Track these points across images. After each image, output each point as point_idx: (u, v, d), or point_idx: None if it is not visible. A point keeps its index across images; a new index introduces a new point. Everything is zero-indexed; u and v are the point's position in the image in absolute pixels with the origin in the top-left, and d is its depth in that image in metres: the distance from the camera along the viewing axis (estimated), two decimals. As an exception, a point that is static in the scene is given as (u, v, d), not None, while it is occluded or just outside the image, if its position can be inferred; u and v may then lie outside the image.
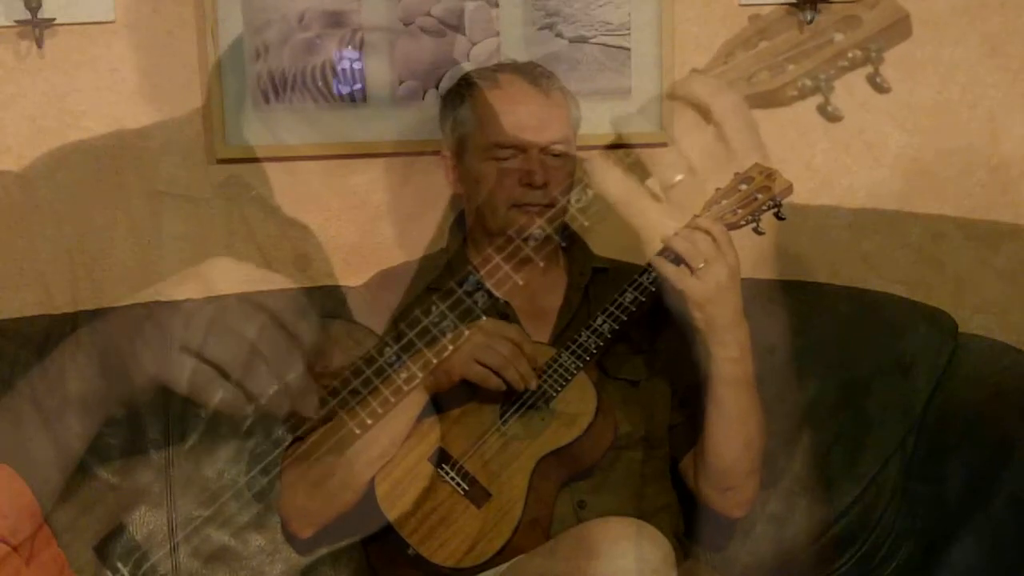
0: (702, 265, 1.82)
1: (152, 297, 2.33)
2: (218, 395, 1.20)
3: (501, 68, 2.14)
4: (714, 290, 1.83)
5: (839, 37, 1.29)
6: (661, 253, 1.85)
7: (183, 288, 1.33)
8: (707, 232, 1.83)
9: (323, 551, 2.18)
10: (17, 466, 1.32)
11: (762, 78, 1.33)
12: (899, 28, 1.27)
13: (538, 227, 1.95)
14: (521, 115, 2.05)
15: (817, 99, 1.31)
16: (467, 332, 1.89)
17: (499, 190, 2.05)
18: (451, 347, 1.88)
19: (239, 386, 1.20)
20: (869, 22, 1.27)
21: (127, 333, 1.28)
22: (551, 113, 2.08)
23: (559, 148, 2.06)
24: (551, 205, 1.97)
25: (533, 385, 1.93)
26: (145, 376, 1.24)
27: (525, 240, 1.86)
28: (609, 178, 1.60)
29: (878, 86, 1.27)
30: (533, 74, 2.10)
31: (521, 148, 2.04)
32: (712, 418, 1.95)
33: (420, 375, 1.90)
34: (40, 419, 1.33)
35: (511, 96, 2.07)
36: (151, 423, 2.21)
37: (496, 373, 1.91)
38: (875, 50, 1.27)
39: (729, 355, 1.90)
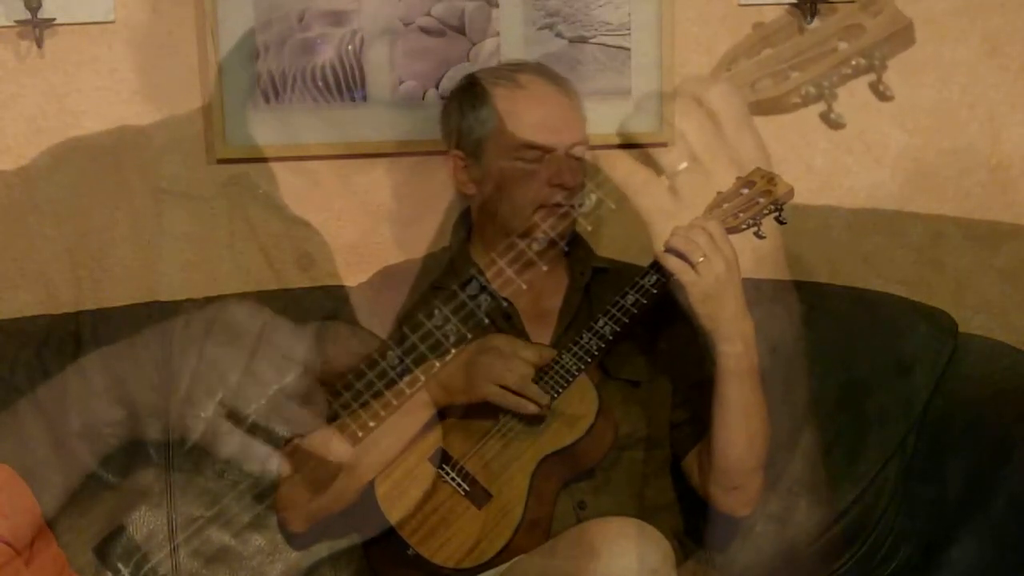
0: (701, 259, 1.85)
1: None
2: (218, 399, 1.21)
3: (518, 68, 2.12)
4: (713, 284, 1.86)
5: (842, 45, 1.29)
6: (666, 251, 1.88)
7: None
8: (702, 229, 1.86)
9: (323, 552, 2.19)
10: (20, 469, 1.33)
11: (765, 85, 1.33)
12: (902, 36, 1.27)
13: (565, 229, 1.97)
14: (548, 116, 2.05)
15: (819, 105, 1.32)
16: (476, 349, 1.92)
17: (527, 192, 2.04)
18: (453, 352, 1.88)
19: (238, 389, 1.20)
20: (872, 30, 1.28)
21: (132, 354, 1.29)
22: (573, 114, 2.09)
23: (581, 149, 2.06)
24: (574, 205, 1.98)
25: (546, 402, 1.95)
26: (150, 400, 1.25)
27: (530, 244, 1.87)
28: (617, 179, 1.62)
29: (881, 94, 1.27)
30: (551, 75, 2.10)
31: (548, 150, 2.04)
32: (717, 414, 1.96)
33: (423, 378, 1.90)
34: (46, 432, 1.34)
35: (536, 97, 2.06)
36: (151, 423, 2.21)
37: (515, 393, 1.93)
38: (878, 58, 1.27)
39: (734, 350, 1.92)
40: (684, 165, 1.46)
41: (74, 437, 1.34)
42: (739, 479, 2.02)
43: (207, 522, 2.17)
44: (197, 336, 1.23)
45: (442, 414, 1.99)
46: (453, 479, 1.98)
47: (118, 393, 1.31)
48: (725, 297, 1.88)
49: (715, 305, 1.88)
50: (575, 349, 1.97)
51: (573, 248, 2.15)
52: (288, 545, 2.20)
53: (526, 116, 2.05)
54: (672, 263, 1.88)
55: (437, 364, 1.89)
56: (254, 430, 1.25)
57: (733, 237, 1.90)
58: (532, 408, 1.94)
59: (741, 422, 1.96)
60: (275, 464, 1.23)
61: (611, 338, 1.97)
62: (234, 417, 1.36)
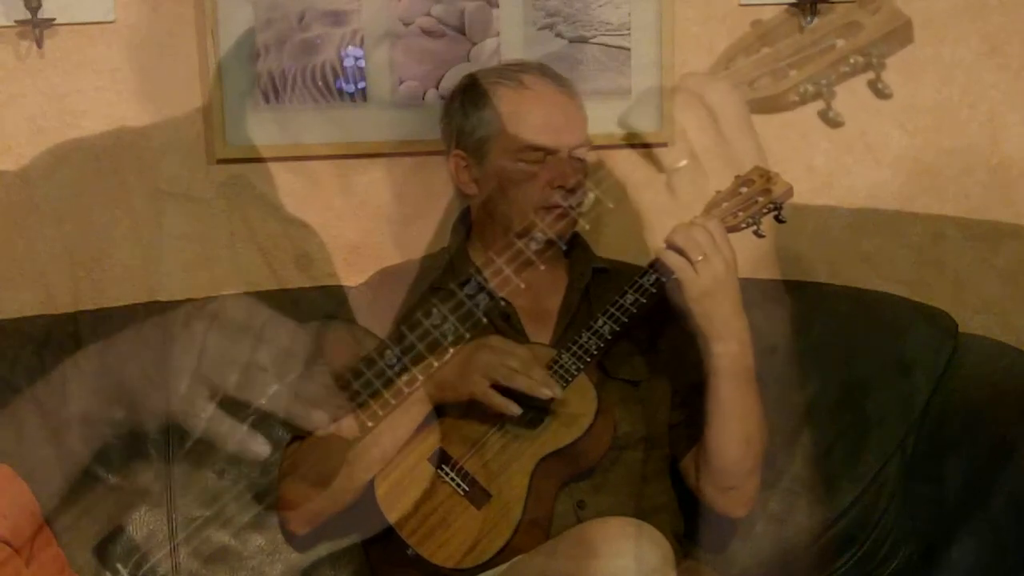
0: (700, 259, 1.85)
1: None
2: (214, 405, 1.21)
3: (522, 69, 2.11)
4: (711, 283, 1.86)
5: (841, 43, 1.29)
6: (666, 248, 1.88)
7: None
8: (703, 227, 1.85)
9: (323, 552, 2.19)
10: (19, 468, 1.32)
11: (764, 83, 1.33)
12: (900, 34, 1.27)
13: (564, 229, 1.97)
14: (552, 118, 2.05)
15: (819, 104, 1.32)
16: (472, 347, 1.90)
17: (530, 192, 2.04)
18: (451, 351, 1.88)
19: (237, 391, 1.20)
20: (870, 27, 1.28)
21: (130, 350, 1.28)
22: (577, 115, 2.09)
23: (583, 151, 2.06)
24: (574, 207, 1.98)
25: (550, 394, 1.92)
26: (148, 395, 1.24)
27: (528, 243, 1.86)
28: (616, 178, 1.61)
29: (880, 92, 1.27)
30: (554, 75, 2.10)
31: (552, 151, 2.04)
32: (712, 415, 1.96)
33: (421, 377, 1.90)
34: (44, 429, 1.34)
35: (540, 98, 2.06)
36: (151, 422, 2.21)
37: (505, 390, 1.91)
38: (876, 56, 1.27)
39: (728, 350, 1.91)
40: (684, 163, 1.45)
41: (71, 434, 1.34)
42: (735, 480, 2.02)
43: (207, 522, 2.17)
44: (197, 334, 1.23)
45: (440, 414, 1.99)
46: (452, 479, 1.97)
47: (116, 390, 1.30)
48: (721, 297, 1.88)
49: (711, 304, 1.88)
50: (574, 349, 1.97)
51: (573, 248, 2.15)
52: (289, 546, 2.20)
53: (530, 117, 2.05)
54: (672, 259, 1.87)
55: (435, 363, 1.89)
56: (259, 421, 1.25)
57: (731, 237, 1.90)
58: (514, 409, 1.91)
59: (736, 423, 1.96)
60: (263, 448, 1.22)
61: (610, 338, 1.97)
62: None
